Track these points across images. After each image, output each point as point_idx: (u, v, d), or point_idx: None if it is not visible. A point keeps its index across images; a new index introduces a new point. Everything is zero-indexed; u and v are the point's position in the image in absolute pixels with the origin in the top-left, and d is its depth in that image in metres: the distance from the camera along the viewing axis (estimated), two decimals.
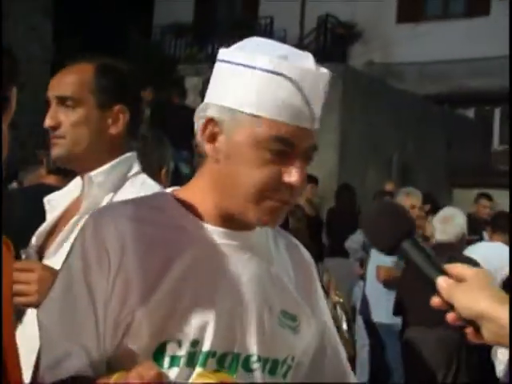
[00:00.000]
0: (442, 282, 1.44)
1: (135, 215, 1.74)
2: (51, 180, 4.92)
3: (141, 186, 2.54)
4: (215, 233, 1.74)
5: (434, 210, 9.03)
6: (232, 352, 1.68)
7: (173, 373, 1.63)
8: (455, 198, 15.06)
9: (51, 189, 4.76)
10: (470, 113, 20.00)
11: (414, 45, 19.29)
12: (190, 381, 1.44)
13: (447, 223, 6.78)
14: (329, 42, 19.84)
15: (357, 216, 8.75)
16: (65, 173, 4.99)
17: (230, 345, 1.68)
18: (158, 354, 1.64)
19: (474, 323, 1.40)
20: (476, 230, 9.46)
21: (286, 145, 1.65)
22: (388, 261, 7.11)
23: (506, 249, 6.98)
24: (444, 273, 1.46)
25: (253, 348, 1.71)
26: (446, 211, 7.13)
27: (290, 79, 1.65)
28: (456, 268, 1.47)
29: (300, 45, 17.84)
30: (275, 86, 1.65)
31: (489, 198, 10.53)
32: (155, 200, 1.82)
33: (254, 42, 1.73)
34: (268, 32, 19.03)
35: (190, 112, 1.77)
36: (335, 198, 10.75)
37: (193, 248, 1.71)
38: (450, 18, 20.30)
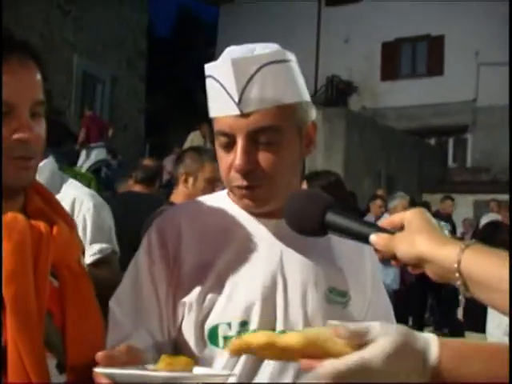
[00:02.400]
0: (374, 238, 0.98)
1: (192, 212, 1.34)
2: (138, 188, 4.57)
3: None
4: (258, 222, 1.30)
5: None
6: (276, 330, 1.22)
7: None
8: (424, 200, 14.71)
9: (137, 194, 4.48)
10: (432, 141, 19.54)
11: (393, 95, 19.29)
12: None
13: None
14: (334, 94, 19.46)
15: (357, 211, 8.37)
16: (147, 183, 4.66)
17: (274, 323, 1.23)
18: (211, 335, 1.23)
19: (417, 265, 0.94)
20: (440, 221, 9.22)
21: (226, 135, 1.24)
22: None
23: None
24: (377, 228, 1.00)
25: (297, 324, 1.24)
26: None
27: (211, 77, 1.23)
28: (394, 217, 0.99)
29: (314, 96, 17.75)
30: (209, 87, 1.25)
31: (451, 199, 10.18)
32: (211, 198, 1.39)
33: None
34: None
35: None
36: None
37: (239, 238, 1.28)
38: (417, 77, 20.01)
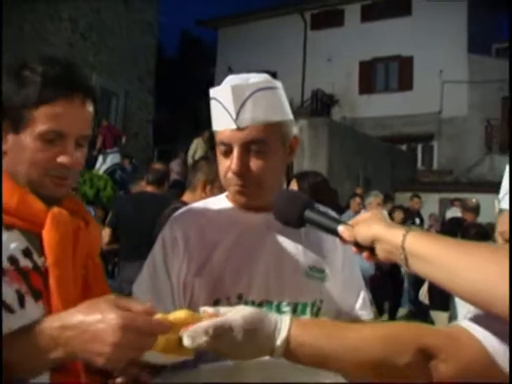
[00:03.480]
0: (341, 228, 1.11)
1: (197, 211, 1.46)
2: (149, 189, 4.56)
3: None
4: (250, 216, 1.41)
5: (393, 206, 8.72)
6: (266, 300, 1.35)
7: None
8: (396, 198, 14.72)
9: (149, 194, 4.47)
10: (403, 147, 19.55)
11: (370, 107, 19.32)
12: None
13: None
14: (319, 106, 19.38)
15: (338, 207, 8.33)
16: (158, 184, 4.65)
17: (264, 295, 1.35)
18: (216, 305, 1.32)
19: (371, 248, 1.06)
20: (410, 216, 9.35)
21: (224, 145, 1.36)
22: None
23: None
24: (343, 223, 1.13)
25: (282, 296, 1.37)
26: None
27: (214, 99, 1.34)
28: (359, 217, 1.12)
29: (301, 107, 17.76)
30: (212, 107, 1.35)
31: (419, 197, 10.21)
32: (214, 200, 1.51)
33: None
34: None
35: None
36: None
37: (235, 229, 1.39)
38: (389, 91, 20.00)
